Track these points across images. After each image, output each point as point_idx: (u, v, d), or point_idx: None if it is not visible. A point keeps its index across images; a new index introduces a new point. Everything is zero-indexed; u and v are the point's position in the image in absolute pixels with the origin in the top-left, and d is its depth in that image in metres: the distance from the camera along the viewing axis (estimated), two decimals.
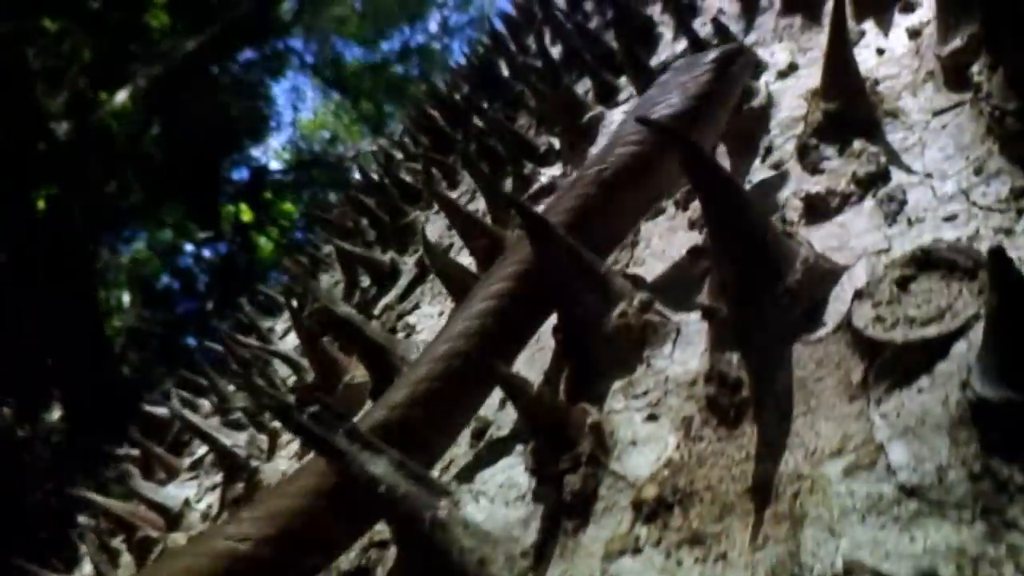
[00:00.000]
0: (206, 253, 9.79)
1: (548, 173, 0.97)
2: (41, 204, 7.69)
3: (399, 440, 0.54)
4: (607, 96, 1.05)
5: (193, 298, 9.78)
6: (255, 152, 9.55)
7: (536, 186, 0.95)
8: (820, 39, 0.84)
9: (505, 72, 1.55)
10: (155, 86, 8.06)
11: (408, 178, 1.57)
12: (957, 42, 0.63)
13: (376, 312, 1.07)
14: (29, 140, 7.38)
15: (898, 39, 0.77)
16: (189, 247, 9.34)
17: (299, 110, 9.75)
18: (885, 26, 0.80)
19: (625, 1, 1.10)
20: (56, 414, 7.79)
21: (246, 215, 8.89)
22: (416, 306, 0.98)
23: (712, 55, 0.69)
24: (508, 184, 1.02)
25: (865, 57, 0.77)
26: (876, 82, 0.68)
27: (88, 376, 7.75)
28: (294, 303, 1.22)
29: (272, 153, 9.65)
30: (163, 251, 9.18)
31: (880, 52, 0.77)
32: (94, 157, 7.86)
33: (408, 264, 1.16)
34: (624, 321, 0.57)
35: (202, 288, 9.93)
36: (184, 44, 8.28)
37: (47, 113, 7.53)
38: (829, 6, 0.85)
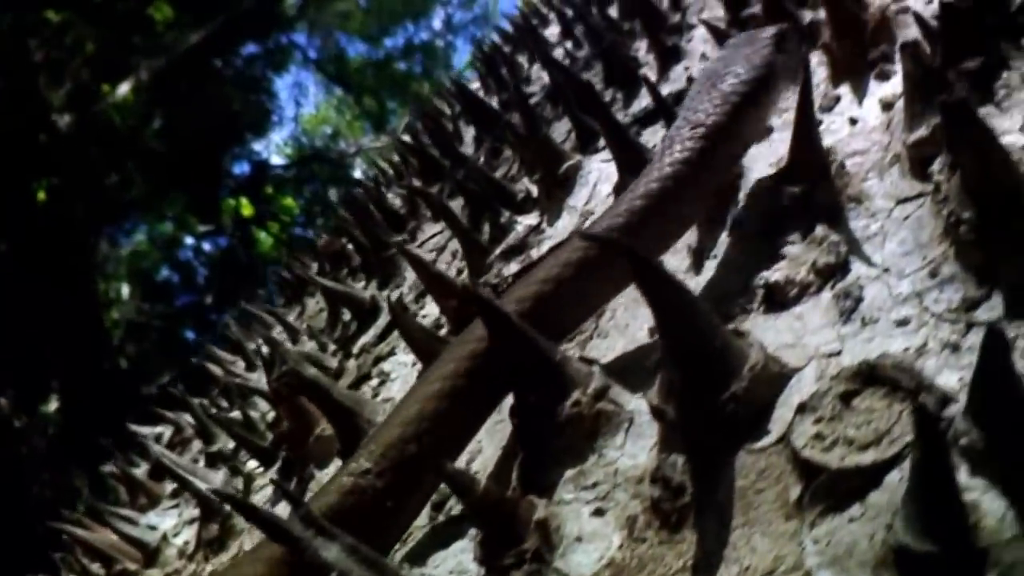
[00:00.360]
0: (206, 246, 9.81)
1: (525, 222, 0.97)
2: (42, 195, 7.70)
3: (357, 522, 0.55)
4: (588, 141, 1.05)
5: (192, 291, 9.80)
6: (257, 146, 9.56)
7: (512, 237, 0.95)
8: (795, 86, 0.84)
9: (496, 100, 1.55)
10: (157, 79, 8.06)
11: (398, 201, 1.58)
12: (922, 131, 0.63)
13: (355, 351, 1.07)
14: (31, 132, 7.39)
15: (871, 109, 0.76)
16: (189, 240, 9.36)
17: (301, 105, 9.79)
18: (860, 92, 0.79)
19: (610, 46, 1.10)
20: (53, 405, 7.82)
21: (246, 209, 8.90)
22: (392, 351, 0.98)
23: (771, 30, 0.73)
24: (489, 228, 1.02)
25: (838, 126, 0.76)
26: (843, 164, 0.68)
27: (86, 368, 7.78)
28: (264, 350, 1.23)
29: (274, 148, 9.66)
30: (163, 244, 9.19)
31: (853, 122, 0.76)
32: (95, 149, 7.86)
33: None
34: (577, 411, 0.57)
35: (201, 281, 9.95)
36: (187, 37, 8.28)
37: (49, 105, 7.53)
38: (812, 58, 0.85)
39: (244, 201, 8.85)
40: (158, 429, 1.68)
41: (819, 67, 0.85)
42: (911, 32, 0.77)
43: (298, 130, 9.51)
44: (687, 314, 0.50)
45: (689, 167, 0.64)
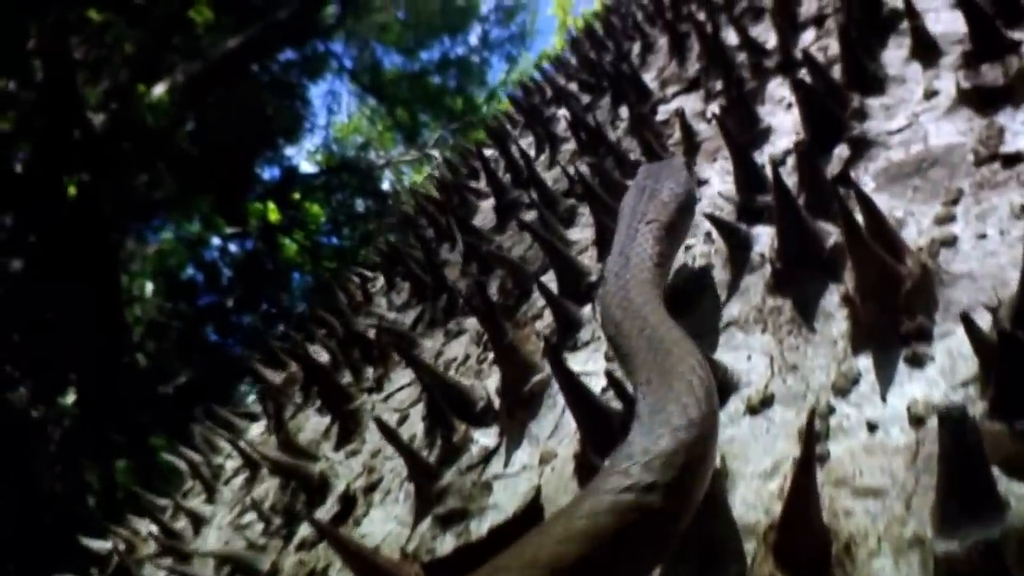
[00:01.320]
0: (232, 248, 9.88)
1: (482, 442, 0.89)
2: (72, 190, 7.80)
3: None
4: (569, 328, 0.96)
5: (216, 292, 9.87)
6: (288, 151, 9.60)
7: (465, 458, 0.87)
8: (810, 347, 0.66)
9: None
10: (193, 81, 8.12)
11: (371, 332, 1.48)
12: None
13: (294, 544, 1.00)
14: (66, 127, 7.48)
15: (896, 416, 0.57)
16: (216, 241, 9.43)
17: (335, 113, 9.77)
18: (885, 377, 0.60)
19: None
20: (70, 398, 7.92)
21: (273, 214, 8.95)
22: (326, 570, 0.90)
23: (679, 159, 0.84)
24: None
25: (850, 426, 0.58)
26: (850, 539, 0.51)
27: (104, 363, 7.86)
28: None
29: (305, 154, 9.68)
30: (189, 243, 9.28)
31: (871, 429, 0.57)
32: (127, 148, 7.95)
33: (346, 471, 1.08)
34: None
35: (225, 282, 10.03)
36: (226, 41, 8.34)
37: (85, 102, 7.62)
38: (830, 298, 0.68)
39: (271, 206, 8.90)
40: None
41: (839, 314, 0.67)
42: (962, 295, 0.62)
43: (329, 138, 9.52)
44: None
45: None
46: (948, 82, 0.87)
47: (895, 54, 0.98)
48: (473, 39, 9.49)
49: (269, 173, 9.38)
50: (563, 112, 1.64)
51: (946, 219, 0.70)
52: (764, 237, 0.82)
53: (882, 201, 0.74)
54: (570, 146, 1.48)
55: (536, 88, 2.09)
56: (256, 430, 1.55)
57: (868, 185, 0.80)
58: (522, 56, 9.63)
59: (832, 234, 0.73)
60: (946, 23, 0.95)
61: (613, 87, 1.50)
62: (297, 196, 8.94)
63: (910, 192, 0.77)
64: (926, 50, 0.93)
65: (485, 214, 1.50)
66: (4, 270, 7.75)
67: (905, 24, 0.97)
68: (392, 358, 1.25)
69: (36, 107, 7.27)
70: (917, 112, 0.86)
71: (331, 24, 8.46)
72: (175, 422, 8.12)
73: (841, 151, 0.86)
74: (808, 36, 1.18)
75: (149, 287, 8.58)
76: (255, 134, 8.86)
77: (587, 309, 0.95)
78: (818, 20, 1.19)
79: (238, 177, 8.96)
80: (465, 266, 1.30)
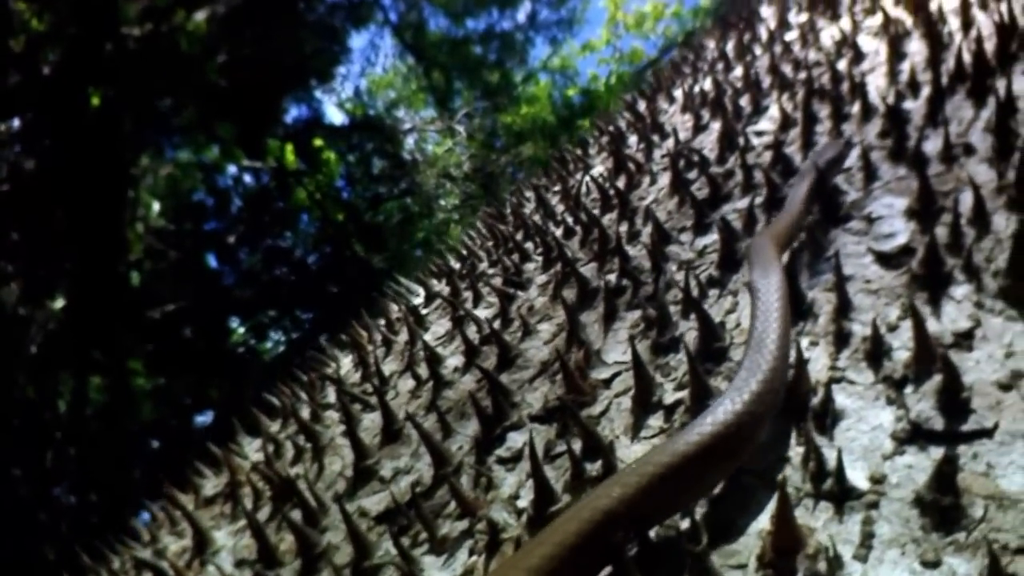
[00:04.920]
0: (247, 178, 9.86)
1: None
2: (96, 100, 7.78)
3: None
4: None
5: (224, 218, 9.89)
6: (318, 94, 9.51)
7: None
8: None
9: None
10: (235, 13, 8.04)
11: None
12: None
13: None
14: (99, 38, 7.43)
15: None
16: (231, 170, 9.41)
17: (372, 64, 9.64)
18: None
19: None
20: (59, 304, 8.00)
21: (290, 156, 8.92)
22: None
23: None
24: None
25: None
26: None
27: (98, 275, 7.92)
28: None
29: (335, 99, 9.60)
30: (205, 167, 9.26)
31: None
32: (156, 69, 7.90)
33: None
34: None
35: (234, 211, 10.04)
36: None
37: (123, 16, 7.56)
38: None
39: (289, 148, 8.87)
40: None
41: None
42: None
43: (362, 88, 9.43)
44: None
45: None
46: None
47: None
48: (521, 16, 9.35)
49: (296, 111, 9.32)
50: None
51: None
52: None
53: None
54: None
55: None
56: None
57: None
58: (567, 43, 9.48)
59: None
60: None
61: None
62: (319, 142, 8.89)
63: None
64: None
65: None
66: (16, 167, 7.78)
67: None
68: None
69: (72, 13, 7.21)
70: None
71: None
72: (156, 350, 8.21)
73: None
74: None
75: (156, 207, 8.60)
76: (288, 72, 8.78)
77: None
78: None
79: (264, 113, 8.91)
80: None
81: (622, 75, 9.04)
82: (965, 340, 0.78)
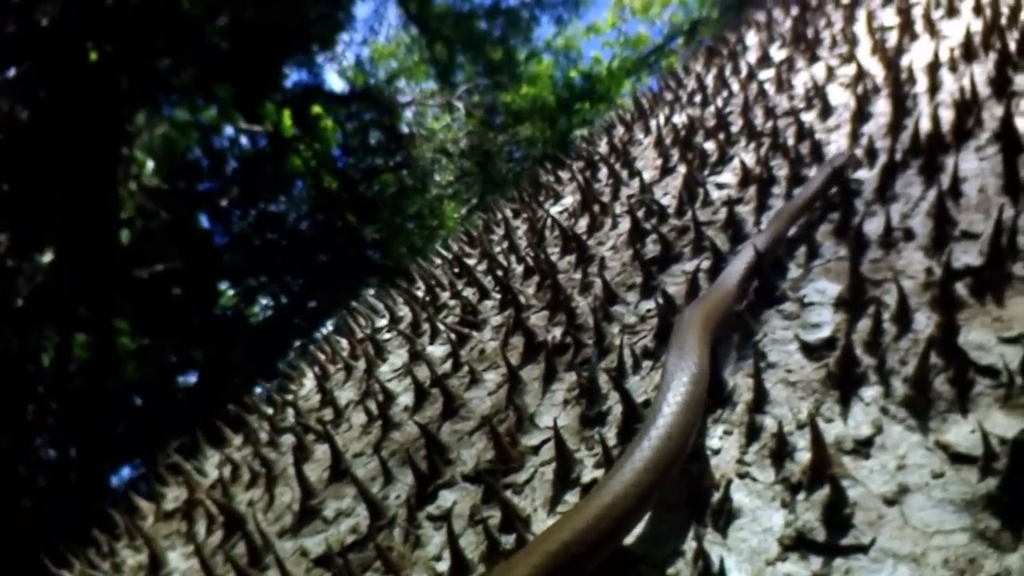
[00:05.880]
0: (243, 141, 9.81)
1: None
2: (93, 56, 7.70)
3: None
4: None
5: (218, 179, 9.86)
6: (319, 60, 9.43)
7: None
8: None
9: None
10: None
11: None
12: None
13: None
14: None
15: None
16: (228, 132, 9.35)
17: (376, 33, 9.55)
18: None
19: None
20: (48, 258, 8.00)
21: (287, 121, 8.87)
22: None
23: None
24: None
25: None
26: None
27: (88, 231, 7.90)
28: None
29: (336, 66, 9.52)
30: (201, 127, 9.21)
31: None
32: (157, 28, 7.82)
33: None
34: None
35: (229, 173, 10.00)
36: None
37: None
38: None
39: (287, 114, 8.81)
40: None
41: None
42: None
43: (364, 57, 9.35)
44: None
45: None
46: None
47: None
48: None
49: (296, 76, 9.25)
50: None
51: None
52: None
53: None
54: None
55: None
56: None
57: None
58: (572, 24, 9.40)
59: None
60: None
61: None
62: (317, 109, 8.84)
63: None
64: None
65: None
66: (10, 117, 7.72)
67: None
68: None
69: None
70: None
71: None
72: (143, 309, 8.23)
73: None
74: None
75: (151, 165, 8.57)
76: (290, 37, 8.70)
77: None
78: None
79: (263, 76, 8.84)
80: None
81: (625, 60, 8.98)
82: (864, 447, 0.83)
